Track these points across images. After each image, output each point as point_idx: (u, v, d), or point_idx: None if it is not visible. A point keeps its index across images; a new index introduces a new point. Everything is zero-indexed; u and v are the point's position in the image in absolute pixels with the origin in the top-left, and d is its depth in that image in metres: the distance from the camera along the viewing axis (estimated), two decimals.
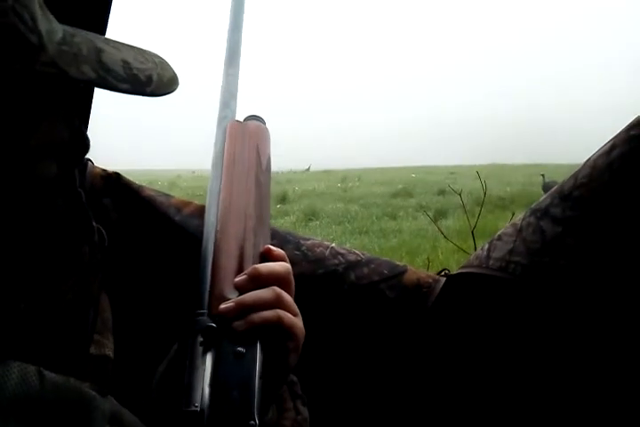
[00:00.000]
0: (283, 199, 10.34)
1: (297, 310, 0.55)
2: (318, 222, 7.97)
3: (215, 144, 0.67)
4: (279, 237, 0.83)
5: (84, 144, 0.45)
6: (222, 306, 0.51)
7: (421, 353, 0.78)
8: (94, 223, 0.46)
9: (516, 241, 0.76)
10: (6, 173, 0.38)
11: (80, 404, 0.38)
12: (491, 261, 0.76)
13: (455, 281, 0.79)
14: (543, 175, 9.99)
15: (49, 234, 0.41)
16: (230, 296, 0.52)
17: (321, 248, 0.82)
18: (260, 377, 0.48)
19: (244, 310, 0.51)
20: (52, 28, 0.39)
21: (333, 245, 0.83)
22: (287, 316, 0.52)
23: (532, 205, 0.78)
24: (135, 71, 0.41)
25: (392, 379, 0.79)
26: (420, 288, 0.79)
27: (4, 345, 0.38)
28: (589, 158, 0.75)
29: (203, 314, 0.51)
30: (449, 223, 6.83)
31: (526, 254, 0.74)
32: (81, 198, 0.45)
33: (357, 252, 0.83)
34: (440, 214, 7.78)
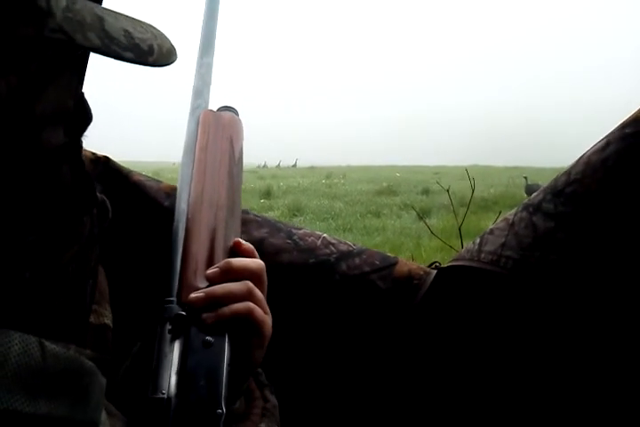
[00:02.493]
0: (267, 194, 10.32)
1: (268, 309, 0.54)
2: (302, 218, 7.97)
3: (187, 133, 0.66)
4: (270, 225, 0.82)
5: (88, 114, 0.44)
6: (192, 295, 0.50)
7: (411, 345, 0.78)
8: (98, 194, 0.46)
9: (507, 235, 0.76)
10: (12, 137, 0.37)
11: (79, 375, 0.38)
12: (482, 255, 0.77)
13: (446, 274, 0.79)
14: (526, 178, 10.11)
15: (53, 202, 0.41)
16: (200, 285, 0.52)
17: (312, 238, 0.81)
18: (228, 366, 0.48)
19: (214, 301, 0.50)
20: None
21: (325, 235, 0.82)
22: (258, 310, 0.52)
23: (525, 201, 0.79)
24: (137, 41, 0.41)
25: (381, 370, 0.79)
26: (411, 280, 0.79)
27: (7, 314, 0.38)
28: (583, 155, 0.75)
29: (172, 302, 0.51)
30: (432, 222, 6.87)
31: (518, 249, 0.74)
32: (84, 168, 0.44)
33: (349, 242, 0.83)
34: (424, 213, 7.82)
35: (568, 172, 0.75)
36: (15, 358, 0.34)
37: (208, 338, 0.49)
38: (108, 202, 0.49)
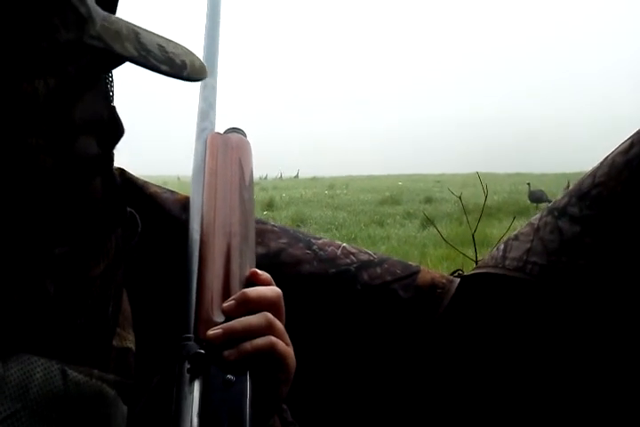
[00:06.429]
0: (270, 206, 10.32)
1: (289, 341, 0.52)
2: (306, 229, 7.96)
3: (195, 157, 0.64)
4: (289, 235, 0.80)
5: (120, 127, 0.44)
6: (210, 332, 0.48)
7: (435, 355, 0.76)
8: (128, 208, 0.45)
9: (533, 241, 0.74)
10: (49, 142, 0.36)
11: (101, 404, 0.37)
12: (507, 261, 0.75)
13: (470, 282, 0.77)
14: (529, 184, 10.12)
15: (83, 215, 0.40)
16: (217, 320, 0.49)
17: (332, 247, 0.79)
18: (251, 407, 0.46)
19: (234, 337, 0.48)
20: (94, 5, 0.39)
21: (345, 244, 0.81)
22: (281, 344, 0.50)
23: (549, 205, 0.77)
24: (171, 55, 0.41)
25: (406, 381, 0.77)
26: (435, 289, 0.77)
27: (30, 335, 0.37)
28: (607, 157, 0.74)
29: (189, 339, 0.48)
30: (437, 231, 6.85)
31: (544, 254, 0.72)
32: (116, 182, 0.43)
33: (369, 252, 0.81)
34: (428, 222, 7.80)
35: (593, 174, 0.73)
36: (37, 388, 0.34)
37: (229, 377, 0.46)
38: (137, 216, 0.47)
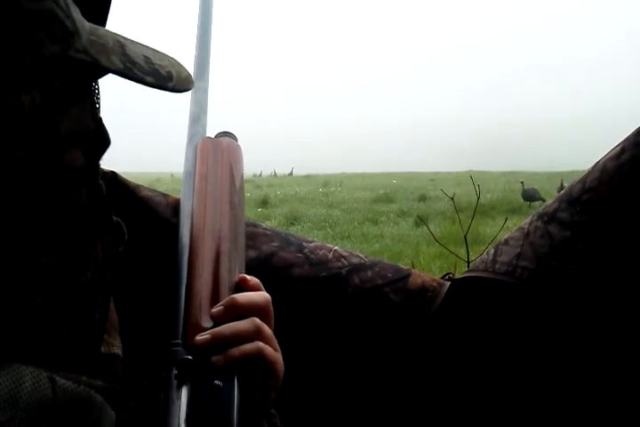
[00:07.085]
0: (264, 203, 10.31)
1: (277, 346, 0.52)
2: (300, 227, 7.96)
3: (185, 161, 0.64)
4: (280, 239, 0.80)
5: (106, 138, 0.44)
6: (198, 338, 0.48)
7: (426, 358, 0.77)
8: (114, 218, 0.45)
9: (523, 245, 0.74)
10: (35, 155, 0.37)
11: (89, 410, 0.38)
12: (497, 266, 0.75)
13: (460, 285, 0.78)
14: (522, 182, 10.16)
15: (70, 225, 0.40)
16: (206, 326, 0.50)
17: (324, 251, 0.79)
18: (239, 412, 0.46)
19: (222, 342, 0.48)
20: (81, 18, 0.39)
21: (336, 247, 0.81)
22: (269, 349, 0.50)
23: (539, 209, 0.78)
24: (157, 66, 0.42)
25: (397, 384, 0.77)
26: (425, 292, 0.77)
27: (18, 344, 0.37)
28: (598, 162, 0.74)
29: (177, 344, 0.49)
30: (431, 229, 6.88)
31: (534, 259, 0.73)
32: (102, 192, 0.44)
33: (360, 255, 0.81)
34: (421, 220, 7.83)
35: (583, 179, 0.74)
36: (26, 396, 0.34)
37: (217, 382, 0.46)
38: (123, 225, 0.48)
